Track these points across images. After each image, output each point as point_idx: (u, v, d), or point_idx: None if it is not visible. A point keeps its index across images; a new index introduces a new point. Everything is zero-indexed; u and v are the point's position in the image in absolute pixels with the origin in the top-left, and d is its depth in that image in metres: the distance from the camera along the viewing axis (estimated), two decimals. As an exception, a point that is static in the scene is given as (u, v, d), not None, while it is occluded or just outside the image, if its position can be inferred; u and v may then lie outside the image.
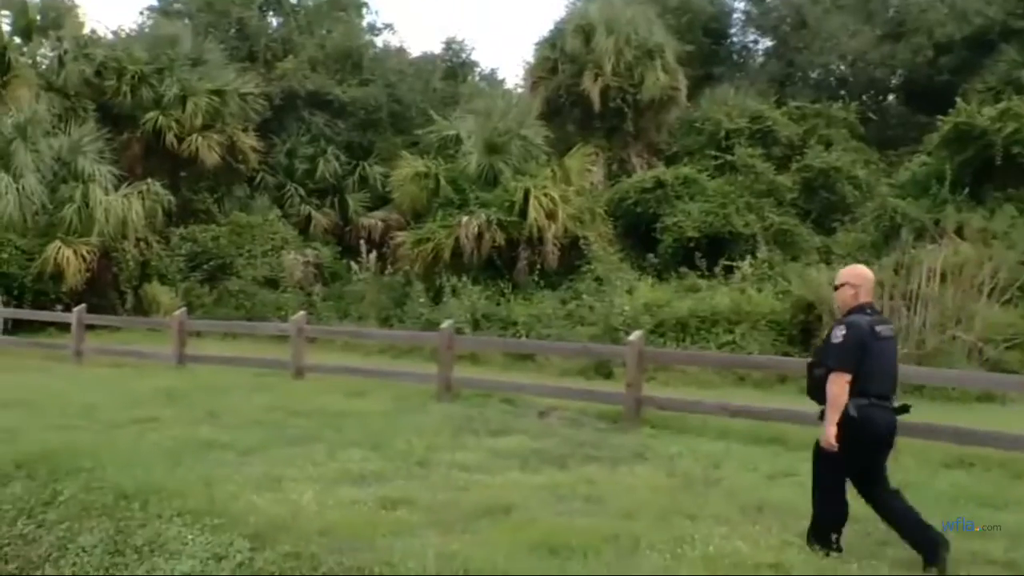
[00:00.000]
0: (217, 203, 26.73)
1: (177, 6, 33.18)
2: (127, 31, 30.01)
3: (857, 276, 5.71)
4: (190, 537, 5.93)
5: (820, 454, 5.57)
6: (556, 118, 26.07)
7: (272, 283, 23.16)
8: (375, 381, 12.43)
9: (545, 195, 20.19)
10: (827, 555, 5.44)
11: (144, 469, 7.09)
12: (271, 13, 34.06)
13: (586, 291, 18.56)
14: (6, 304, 18.20)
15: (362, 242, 24.67)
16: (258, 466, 7.58)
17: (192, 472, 7.24)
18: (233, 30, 31.70)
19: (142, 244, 21.67)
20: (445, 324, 12.38)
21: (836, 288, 5.82)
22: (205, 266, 23.33)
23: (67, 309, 17.32)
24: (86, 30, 27.06)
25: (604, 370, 14.46)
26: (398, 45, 36.52)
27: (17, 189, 19.67)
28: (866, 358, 5.40)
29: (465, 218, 20.28)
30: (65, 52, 24.72)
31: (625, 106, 25.89)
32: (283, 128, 29.29)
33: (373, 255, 23.21)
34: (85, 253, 19.51)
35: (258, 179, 27.91)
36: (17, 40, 25.57)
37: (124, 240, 20.88)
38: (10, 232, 19.54)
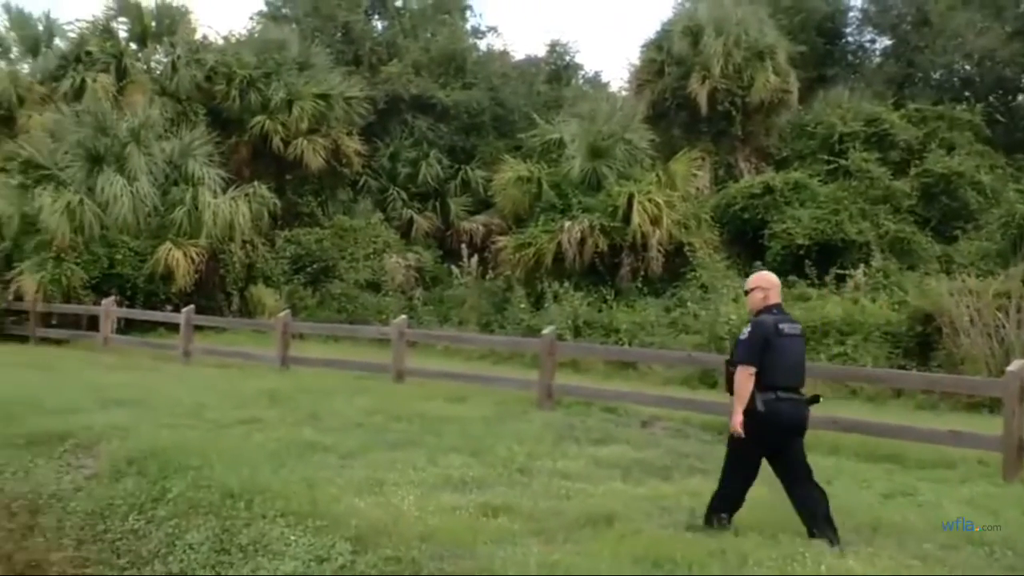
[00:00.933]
0: (321, 206, 27.30)
1: (285, 11, 34.09)
2: (237, 36, 31.01)
3: (765, 281, 6.36)
4: (293, 538, 6.06)
5: (730, 440, 6.20)
6: (661, 121, 25.84)
7: (374, 286, 23.53)
8: (475, 386, 12.50)
9: (649, 200, 20.02)
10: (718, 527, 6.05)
11: (249, 469, 7.28)
12: (376, 17, 34.70)
13: (691, 299, 18.31)
14: (119, 304, 18.84)
15: (463, 246, 24.87)
16: (359, 469, 7.70)
17: (295, 473, 7.40)
18: (339, 34, 32.38)
19: (248, 246, 22.22)
20: (547, 330, 12.37)
21: (747, 293, 6.40)
22: (308, 269, 23.85)
23: (176, 310, 17.90)
24: (198, 36, 28.00)
25: (709, 380, 14.22)
26: (502, 48, 36.69)
27: (131, 192, 20.36)
28: (770, 353, 5.97)
29: (567, 223, 20.26)
30: (178, 58, 25.62)
31: (733, 109, 25.53)
32: (386, 132, 29.74)
33: (474, 259, 23.34)
34: (194, 255, 20.08)
35: (361, 183, 28.42)
36: (133, 47, 26.67)
37: (231, 242, 21.46)
38: (124, 234, 20.22)
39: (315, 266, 23.91)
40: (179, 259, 19.83)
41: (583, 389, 12.25)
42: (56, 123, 21.81)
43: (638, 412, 10.88)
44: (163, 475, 7.46)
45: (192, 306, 17.17)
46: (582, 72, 37.07)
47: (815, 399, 6.27)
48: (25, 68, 25.67)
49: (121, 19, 26.74)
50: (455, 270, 23.53)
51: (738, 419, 5.98)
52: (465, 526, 6.07)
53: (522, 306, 19.35)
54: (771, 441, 6.09)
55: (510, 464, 8.06)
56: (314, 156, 25.58)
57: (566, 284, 19.18)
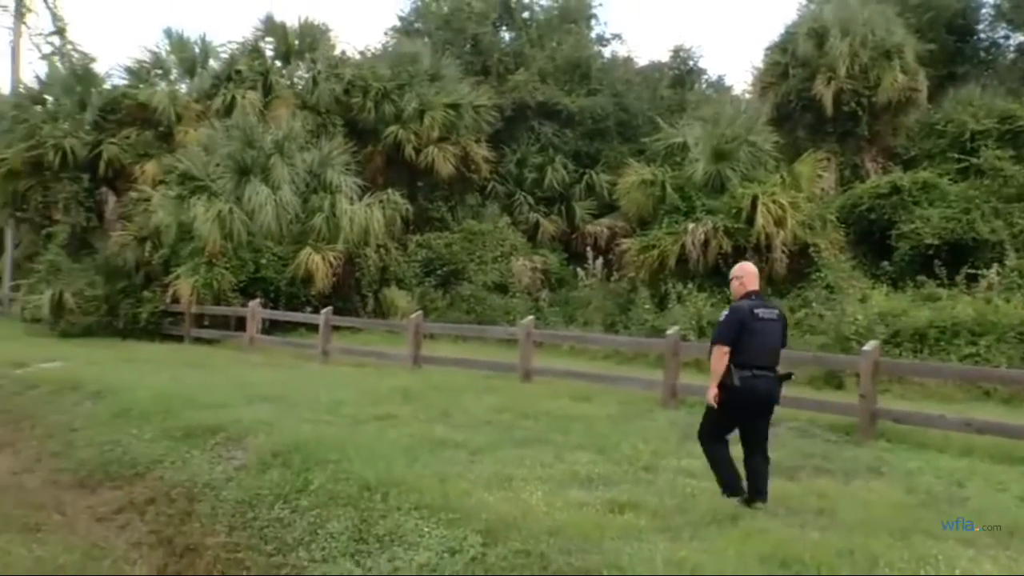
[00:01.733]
0: (451, 211, 27.69)
1: (417, 26, 34.69)
2: (372, 51, 31.73)
3: (742, 270, 6.95)
4: (426, 530, 6.16)
5: (706, 412, 6.77)
6: (786, 123, 25.19)
7: (501, 288, 23.70)
8: (600, 386, 12.45)
9: (774, 202, 19.53)
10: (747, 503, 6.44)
11: (385, 463, 7.43)
12: (504, 28, 34.93)
13: (816, 299, 17.74)
14: (264, 306, 19.51)
15: (588, 249, 24.78)
16: (489, 465, 7.77)
17: (428, 468, 7.52)
18: (468, 46, 32.74)
19: (382, 250, 22.67)
20: (671, 330, 12.22)
21: (730, 281, 7.02)
22: (439, 271, 24.21)
23: (315, 311, 18.42)
24: (337, 52, 28.80)
25: (834, 381, 13.80)
26: (626, 55, 36.43)
27: (275, 200, 21.07)
28: (746, 335, 6.48)
29: (691, 225, 19.95)
30: (319, 73, 26.44)
31: (859, 109, 24.67)
32: (513, 138, 29.93)
33: (599, 262, 23.23)
34: (332, 259, 20.61)
35: (489, 188, 28.70)
36: (278, 64, 27.63)
37: (366, 247, 21.94)
38: (268, 240, 20.92)
39: (445, 269, 24.26)
40: (318, 263, 20.38)
41: (708, 389, 12.01)
42: (209, 138, 22.75)
43: (763, 412, 10.61)
44: (305, 467, 7.68)
45: (330, 308, 17.62)
46: (705, 76, 36.50)
47: (787, 376, 6.75)
48: (183, 88, 26.84)
49: (268, 39, 27.78)
50: (580, 272, 23.46)
51: (712, 392, 6.58)
52: (592, 522, 6.05)
53: (646, 307, 19.15)
54: (746, 414, 6.60)
55: (635, 462, 8.00)
56: (444, 163, 26.00)
57: (690, 285, 18.89)
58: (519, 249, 25.53)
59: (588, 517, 6.19)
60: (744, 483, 6.60)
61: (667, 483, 7.29)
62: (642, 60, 35.75)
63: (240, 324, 19.46)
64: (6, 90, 34.36)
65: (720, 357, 6.49)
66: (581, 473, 7.51)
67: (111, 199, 25.05)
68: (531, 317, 15.32)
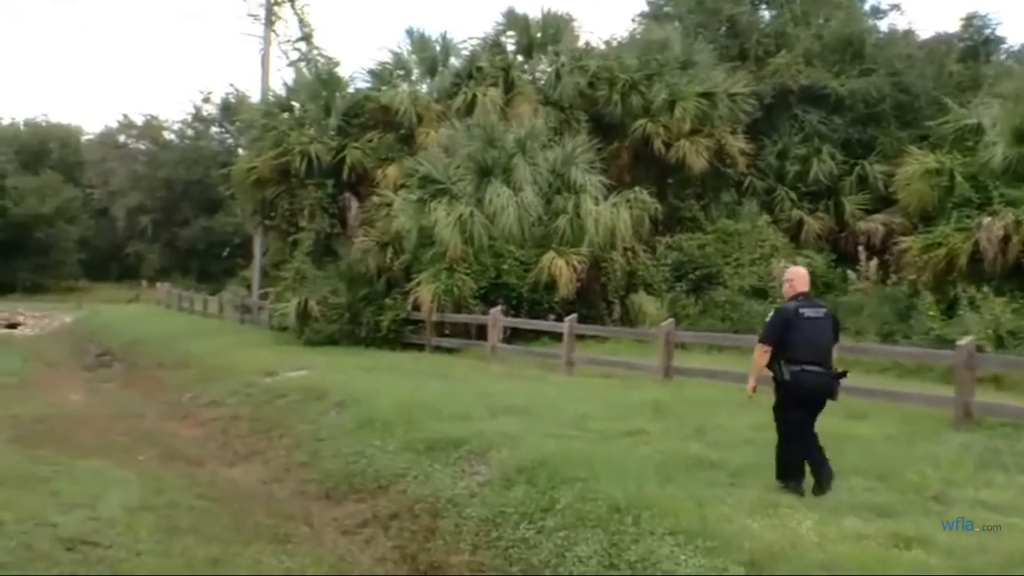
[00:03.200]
0: (703, 210, 27.30)
1: (667, 9, 34.57)
2: (618, 40, 31.86)
3: (793, 273, 8.11)
4: (683, 558, 6.07)
5: (774, 411, 7.80)
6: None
7: (760, 293, 23.10)
8: (877, 402, 11.81)
9: (1092, 189, 17.89)
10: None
11: (636, 483, 7.39)
12: (763, 6, 34.12)
13: None
14: (506, 313, 19.98)
15: (860, 248, 23.76)
16: (751, 489, 7.58)
17: (683, 490, 7.41)
18: (723, 28, 32.26)
19: (629, 253, 22.66)
20: (963, 341, 11.39)
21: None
22: (691, 275, 23.92)
23: (559, 319, 18.64)
24: (580, 43, 29.19)
25: None
26: (906, 27, 34.58)
27: (517, 202, 21.55)
28: (791, 333, 7.53)
29: (987, 219, 18.62)
30: (562, 66, 26.86)
31: None
32: (773, 128, 29.18)
33: (872, 263, 22.25)
34: (576, 263, 20.79)
35: (746, 183, 28.08)
36: (519, 59, 28.35)
37: (612, 250, 22.01)
38: (510, 243, 21.39)
39: (697, 273, 23.94)
40: (562, 268, 20.63)
41: (1011, 408, 11.11)
42: (449, 138, 23.65)
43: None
44: (551, 485, 7.78)
45: (574, 315, 17.79)
46: (1004, 46, 34.04)
47: (843, 374, 7.77)
48: (424, 88, 28.05)
49: (509, 33, 28.59)
50: (851, 275, 22.55)
51: (750, 385, 7.92)
52: (873, 557, 5.74)
53: (931, 314, 18.04)
54: (802, 406, 7.61)
55: (923, 490, 7.53)
56: (696, 157, 25.68)
57: (984, 289, 17.62)
58: (780, 250, 24.79)
59: (868, 551, 5.89)
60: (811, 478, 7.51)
61: (962, 517, 6.79)
62: (925, 32, 33.76)
63: (481, 332, 20.05)
64: (256, 98, 37.44)
65: (760, 355, 7.69)
66: (858, 501, 7.18)
67: (354, 204, 26.49)
68: (795, 325, 14.78)
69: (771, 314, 7.80)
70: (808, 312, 7.63)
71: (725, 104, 26.65)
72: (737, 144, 26.83)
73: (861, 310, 20.79)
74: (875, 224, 26.14)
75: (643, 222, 23.07)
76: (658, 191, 25.43)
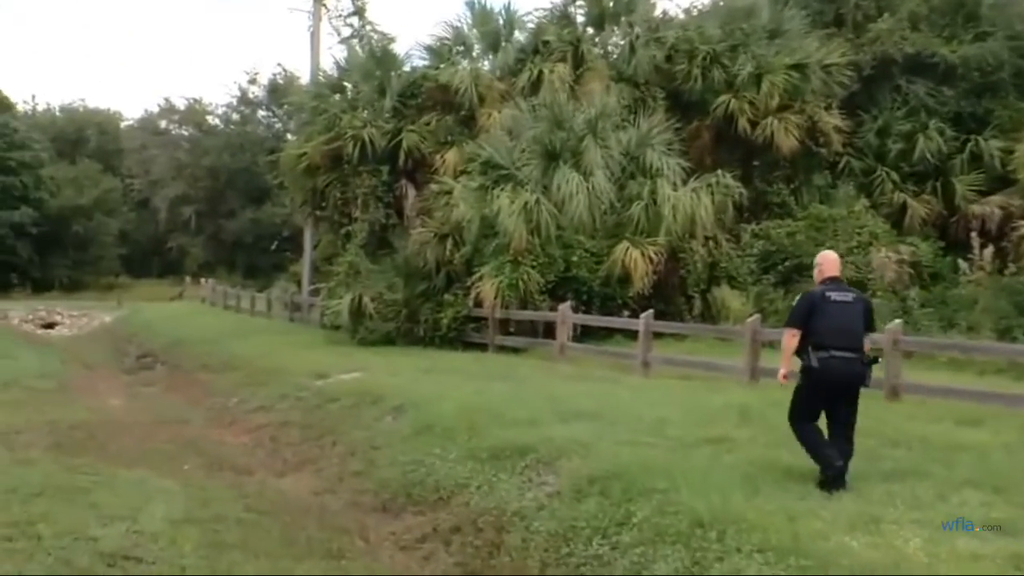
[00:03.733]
0: (793, 194, 26.97)
1: (753, -28, 34.12)
2: (699, 8, 31.59)
3: (822, 258, 8.58)
4: (773, 577, 6.00)
5: (794, 395, 8.30)
6: None
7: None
8: (993, 406, 11.56)
9: None
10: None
11: (720, 495, 7.34)
12: (862, -34, 33.56)
13: None
14: (575, 309, 19.95)
15: (973, 235, 23.22)
16: (849, 502, 7.48)
17: (772, 503, 7.34)
18: (816, -8, 31.82)
19: (711, 243, 22.49)
20: (1090, 339, 11.12)
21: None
22: (779, 267, 23.64)
23: (634, 315, 18.58)
24: (657, 12, 29.04)
25: None
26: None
27: (587, 188, 21.45)
28: (818, 318, 7.99)
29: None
30: (636, 38, 26.70)
31: None
32: (873, 102, 28.72)
33: (988, 251, 21.72)
34: (652, 254, 20.66)
35: (842, 164, 27.67)
36: (590, 31, 28.29)
37: (692, 239, 21.86)
38: (579, 233, 21.36)
39: (787, 264, 23.64)
40: (636, 259, 20.54)
41: None
42: (513, 119, 23.66)
43: None
44: (626, 497, 7.76)
45: (650, 311, 17.69)
46: None
47: (875, 360, 8.21)
48: (485, 65, 28.13)
49: (578, 3, 28.55)
50: (962, 264, 22.04)
51: (781, 372, 8.55)
52: (990, 580, 5.62)
53: (1055, 308, 17.67)
54: (828, 394, 8.07)
55: (1048, 506, 7.35)
56: (786, 136, 25.37)
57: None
58: (880, 238, 24.41)
59: (985, 572, 5.74)
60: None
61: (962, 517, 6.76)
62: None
63: (548, 330, 20.05)
64: (306, 79, 37.81)
65: (788, 339, 8.14)
66: (972, 517, 7.00)
67: (410, 193, 26.66)
68: (897, 321, 14.53)
69: (797, 299, 8.40)
70: (836, 296, 8.07)
71: (818, 76, 26.27)
72: (832, 121, 26.42)
73: (974, 304, 20.39)
74: (990, 207, 25.65)
75: (726, 208, 22.91)
76: (743, 174, 25.22)
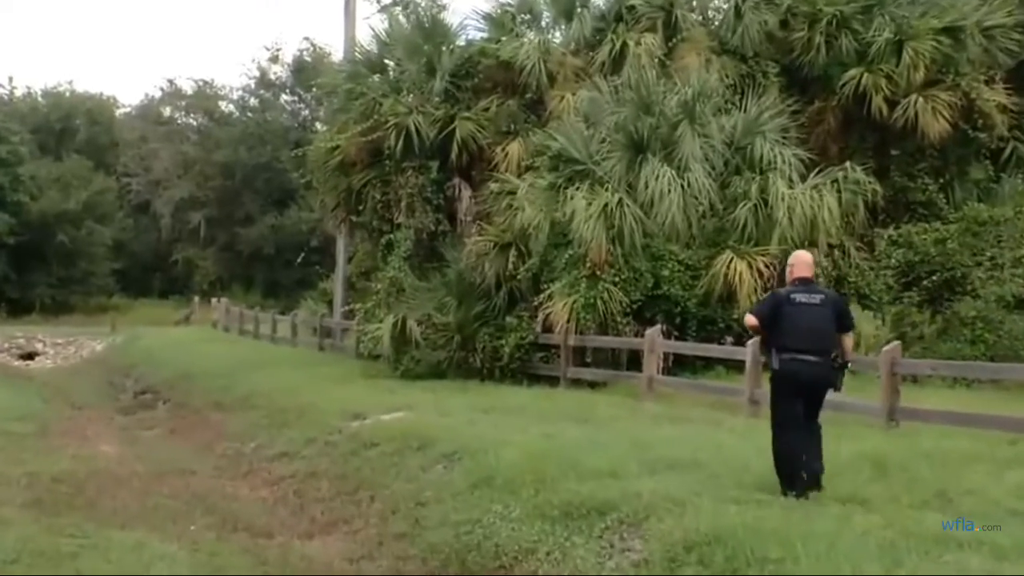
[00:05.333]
0: (943, 190, 26.53)
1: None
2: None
3: (795, 258, 10.18)
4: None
5: (770, 398, 10.05)
6: None
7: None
8: None
9: None
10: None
11: (851, 567, 7.27)
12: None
13: None
14: (667, 335, 19.80)
15: None
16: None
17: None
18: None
19: (836, 252, 22.29)
20: None
21: None
22: (925, 282, 23.35)
23: (738, 341, 18.44)
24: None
25: None
26: None
27: (681, 186, 21.19)
28: (780, 319, 9.56)
29: None
30: (743, 1, 26.52)
31: None
32: (1047, 75, 28.31)
33: None
34: (762, 267, 20.32)
35: (1008, 152, 27.16)
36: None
37: (812, 248, 21.61)
38: (672, 242, 21.16)
39: (935, 277, 23.38)
40: (743, 273, 20.32)
41: None
42: (591, 103, 23.65)
43: None
44: (732, 567, 7.70)
45: (759, 337, 17.50)
46: None
47: (844, 364, 9.79)
48: (556, 38, 28.16)
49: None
50: None
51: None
52: None
53: None
54: (793, 396, 9.64)
55: None
56: (934, 119, 24.93)
57: None
58: (1059, 244, 24.02)
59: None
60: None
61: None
62: None
63: (634, 360, 20.01)
64: (339, 56, 38.00)
65: (750, 320, 10.12)
66: None
67: (465, 194, 26.71)
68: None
69: (764, 296, 9.86)
70: (801, 298, 9.57)
71: (977, 43, 25.84)
72: (994, 98, 25.91)
73: None
74: None
75: (856, 209, 22.78)
76: (877, 167, 24.94)
